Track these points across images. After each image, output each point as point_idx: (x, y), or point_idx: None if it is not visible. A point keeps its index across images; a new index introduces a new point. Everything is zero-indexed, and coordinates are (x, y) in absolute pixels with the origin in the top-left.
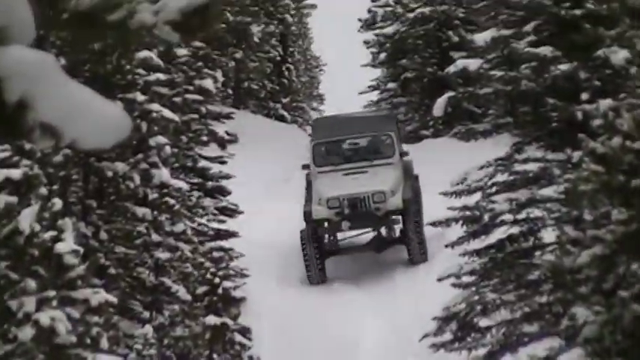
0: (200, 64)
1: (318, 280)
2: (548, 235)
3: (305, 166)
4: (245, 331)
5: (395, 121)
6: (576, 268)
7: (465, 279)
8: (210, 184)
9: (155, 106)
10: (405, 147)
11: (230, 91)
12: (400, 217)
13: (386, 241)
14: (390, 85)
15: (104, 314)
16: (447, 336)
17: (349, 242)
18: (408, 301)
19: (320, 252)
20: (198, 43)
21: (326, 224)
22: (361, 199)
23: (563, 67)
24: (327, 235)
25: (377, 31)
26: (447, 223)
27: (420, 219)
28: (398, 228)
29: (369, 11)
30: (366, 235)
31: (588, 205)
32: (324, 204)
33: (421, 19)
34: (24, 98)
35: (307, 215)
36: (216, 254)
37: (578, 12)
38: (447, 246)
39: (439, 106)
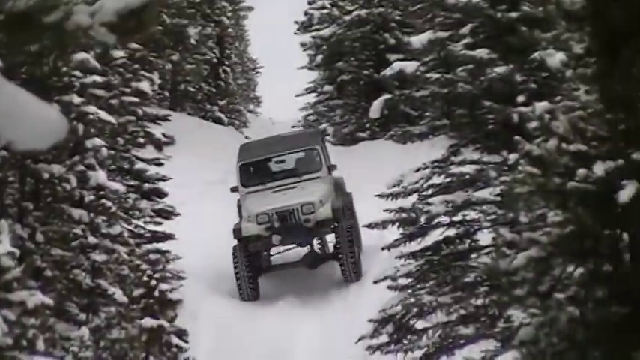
0: (137, 66)
1: (250, 298)
2: (484, 238)
3: (233, 189)
4: (181, 333)
5: (320, 137)
6: (512, 270)
7: (402, 281)
8: (146, 186)
9: (92, 108)
10: (342, 149)
11: (167, 94)
12: (331, 230)
13: (319, 257)
14: (327, 87)
15: (40, 316)
16: (384, 338)
17: (283, 258)
18: (344, 306)
19: (252, 269)
20: (134, 45)
21: (256, 241)
22: (290, 212)
23: (500, 69)
24: (261, 252)
25: (313, 34)
26: (383, 225)
27: (354, 235)
28: (332, 244)
29: (306, 14)
30: (301, 250)
31: (524, 208)
32: (253, 220)
33: (358, 22)
34: None
35: (237, 233)
36: (152, 256)
37: (514, 15)
38: (383, 248)
39: (375, 109)
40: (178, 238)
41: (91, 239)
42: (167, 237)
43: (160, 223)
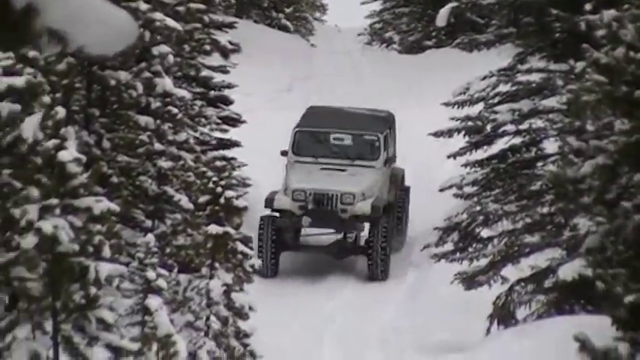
0: None
1: (269, 275)
2: (551, 146)
3: (283, 153)
4: (247, 241)
5: (389, 124)
6: (578, 178)
7: (467, 189)
8: (212, 93)
9: (158, 15)
10: (408, 57)
11: (233, 0)
12: (368, 223)
13: (348, 248)
14: None
15: (106, 223)
16: (448, 246)
17: (312, 241)
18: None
19: (276, 244)
20: None
21: (286, 217)
22: (328, 197)
23: None
24: (288, 229)
25: None
26: (449, 133)
27: (389, 233)
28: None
29: None
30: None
31: (591, 116)
32: (289, 194)
33: None
34: (31, 3)
35: (269, 203)
36: (218, 163)
37: None
38: (449, 157)
39: (442, 16)
40: (244, 146)
41: (157, 146)
42: (233, 144)
43: (225, 131)
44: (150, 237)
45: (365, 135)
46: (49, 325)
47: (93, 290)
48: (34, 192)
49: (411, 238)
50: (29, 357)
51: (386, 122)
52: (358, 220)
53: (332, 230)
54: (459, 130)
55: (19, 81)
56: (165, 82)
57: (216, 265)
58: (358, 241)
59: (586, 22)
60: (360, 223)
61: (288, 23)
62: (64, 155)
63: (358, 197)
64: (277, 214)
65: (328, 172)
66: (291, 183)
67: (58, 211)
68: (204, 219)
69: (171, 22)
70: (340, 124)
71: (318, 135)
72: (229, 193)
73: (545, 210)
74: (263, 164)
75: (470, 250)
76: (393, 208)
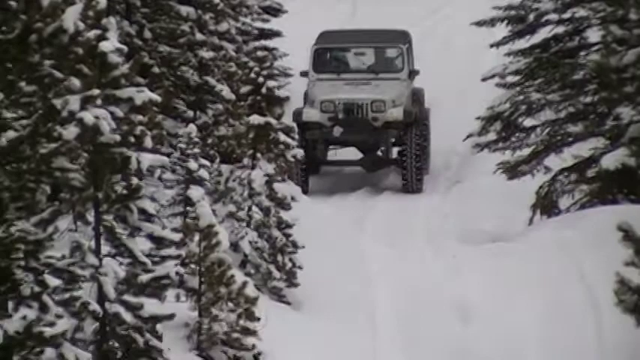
0: None
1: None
2: (594, 35)
3: (303, 73)
4: (289, 131)
5: (408, 39)
6: (622, 67)
7: (510, 79)
8: None
9: None
10: None
11: None
12: (399, 135)
13: (381, 160)
14: None
15: (148, 113)
16: (491, 136)
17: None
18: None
19: (306, 162)
20: None
21: (315, 129)
22: (358, 105)
23: None
24: (318, 142)
25: None
26: (491, 22)
27: (423, 148)
28: (395, 151)
29: None
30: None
31: (634, 4)
32: (317, 106)
33: None
34: None
35: (297, 116)
36: (260, 53)
37: None
38: (492, 46)
39: None
40: (286, 36)
41: (199, 36)
42: (274, 34)
43: (267, 20)
44: (191, 127)
45: (388, 47)
46: (90, 216)
47: (135, 181)
48: (76, 82)
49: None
50: (71, 247)
51: (405, 37)
52: (391, 126)
53: (359, 143)
54: (501, 20)
55: None
56: None
57: (258, 155)
58: (390, 154)
59: None
60: (393, 130)
61: None
62: (105, 45)
63: (389, 104)
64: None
65: (354, 85)
66: (318, 95)
67: (99, 101)
68: (246, 109)
69: None
70: (360, 39)
71: (338, 51)
72: (271, 83)
73: (588, 99)
74: (305, 54)
75: (512, 139)
76: (419, 123)
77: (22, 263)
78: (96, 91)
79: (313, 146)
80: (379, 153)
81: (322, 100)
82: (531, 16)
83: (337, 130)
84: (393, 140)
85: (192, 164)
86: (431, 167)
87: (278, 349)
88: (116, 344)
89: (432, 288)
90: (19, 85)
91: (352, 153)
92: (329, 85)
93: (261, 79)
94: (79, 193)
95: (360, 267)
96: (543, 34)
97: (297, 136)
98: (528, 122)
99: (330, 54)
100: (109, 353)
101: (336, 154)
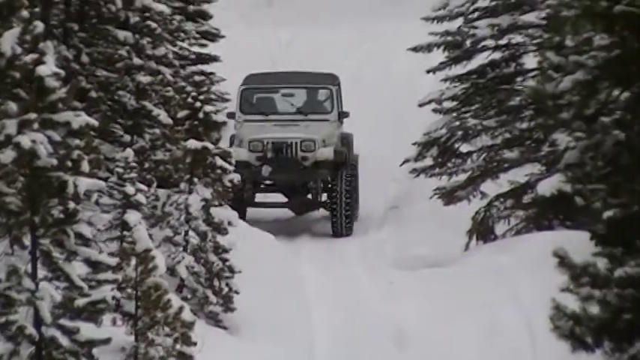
0: None
1: None
2: (530, 61)
3: (230, 115)
4: (226, 155)
5: (337, 80)
6: (558, 93)
7: (446, 104)
8: (191, 7)
9: None
10: None
11: None
12: (329, 175)
13: (309, 202)
14: None
15: (85, 137)
16: (428, 161)
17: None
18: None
19: (233, 202)
20: None
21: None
22: (287, 144)
23: None
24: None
25: None
26: (428, 48)
27: (353, 190)
28: (324, 196)
29: None
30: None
31: (570, 31)
32: (245, 146)
33: None
34: None
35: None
36: (197, 78)
37: None
38: (428, 72)
39: None
40: (223, 61)
41: (136, 60)
42: (212, 59)
43: (204, 45)
44: (129, 152)
45: (317, 88)
46: (27, 240)
47: (71, 205)
48: (13, 106)
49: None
50: (7, 271)
51: (334, 79)
52: (320, 166)
53: (287, 185)
54: (438, 45)
55: None
56: None
57: (195, 179)
58: (320, 196)
59: None
60: (324, 170)
61: None
62: (42, 70)
63: (319, 143)
64: None
65: (282, 125)
66: (245, 136)
67: (36, 125)
68: (183, 134)
69: None
70: (288, 80)
71: (266, 92)
72: (208, 108)
73: (524, 125)
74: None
75: (449, 165)
76: (348, 166)
77: None
78: (33, 115)
79: (241, 187)
80: (308, 196)
81: (250, 140)
82: (468, 42)
83: (266, 170)
84: (322, 184)
85: (129, 189)
86: (361, 205)
87: None
88: None
89: (369, 313)
90: None
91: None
92: (257, 126)
93: (198, 104)
94: (16, 217)
95: (297, 292)
96: (480, 60)
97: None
98: (465, 148)
99: (257, 95)
100: None
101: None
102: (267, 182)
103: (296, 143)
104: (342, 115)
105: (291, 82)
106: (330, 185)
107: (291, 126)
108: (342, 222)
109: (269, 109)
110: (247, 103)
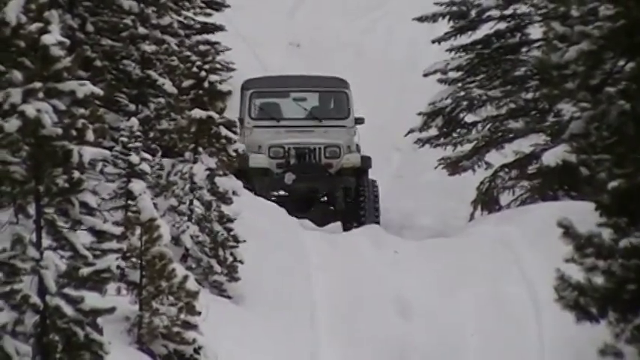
0: None
1: None
2: (535, 31)
3: (239, 121)
4: (231, 125)
5: (348, 85)
6: (563, 63)
7: (452, 74)
8: None
9: None
10: None
11: None
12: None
13: (332, 212)
14: None
15: (90, 106)
16: (433, 131)
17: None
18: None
19: None
20: None
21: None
22: (311, 150)
23: None
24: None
25: None
26: (433, 18)
27: (379, 208)
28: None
29: None
30: None
31: (576, 1)
32: (265, 151)
33: None
34: None
35: (243, 162)
36: (202, 47)
37: None
38: (433, 42)
39: None
40: (228, 30)
41: (141, 30)
42: (217, 28)
43: (210, 15)
44: (133, 121)
45: (332, 91)
46: (31, 209)
47: (76, 174)
48: (18, 75)
49: None
50: (12, 240)
51: (345, 83)
52: (347, 174)
53: (312, 192)
54: (443, 15)
55: None
56: None
57: (200, 149)
58: (341, 205)
59: None
60: (350, 177)
61: None
62: (47, 39)
63: (344, 149)
64: None
65: (298, 131)
66: (264, 141)
67: (41, 94)
68: (188, 103)
69: None
70: (299, 83)
71: (276, 95)
72: (213, 78)
73: (529, 95)
74: (246, 48)
75: (454, 135)
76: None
77: None
78: (38, 85)
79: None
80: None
81: (271, 145)
82: (473, 13)
83: (289, 177)
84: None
85: (134, 158)
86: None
87: (219, 342)
88: (56, 337)
89: (372, 283)
90: None
91: None
92: (273, 132)
93: (203, 74)
94: (20, 186)
95: (301, 261)
96: (485, 30)
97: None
98: (470, 118)
99: (266, 99)
100: (49, 346)
101: None
102: (289, 190)
103: (319, 149)
104: (358, 122)
105: (302, 85)
106: (356, 193)
107: (307, 132)
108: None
109: (280, 114)
110: (256, 108)
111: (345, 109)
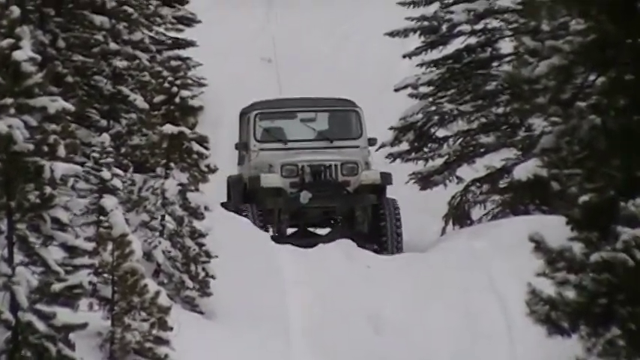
0: None
1: None
2: (506, 46)
3: (241, 145)
4: (202, 140)
5: (357, 105)
6: (534, 78)
7: (422, 89)
8: None
9: None
10: None
11: None
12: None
13: (349, 234)
14: None
15: (61, 122)
16: (404, 146)
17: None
18: None
19: (274, 238)
20: None
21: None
22: (326, 167)
23: None
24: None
25: None
26: (404, 33)
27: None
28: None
29: None
30: None
31: (546, 16)
32: (277, 170)
33: None
34: None
35: (254, 182)
36: (173, 63)
37: None
38: (404, 56)
39: None
40: (199, 45)
41: (113, 45)
42: (188, 44)
43: (181, 30)
44: (105, 136)
45: (342, 111)
46: (3, 225)
47: (48, 190)
48: None
49: None
50: None
51: (355, 104)
52: (366, 191)
53: (329, 212)
54: (414, 30)
55: None
56: None
57: (172, 164)
58: (362, 227)
59: None
60: (370, 195)
61: None
62: (18, 54)
63: (362, 165)
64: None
65: (311, 152)
66: (276, 160)
67: (12, 110)
68: (160, 118)
69: None
70: (307, 103)
71: (283, 116)
72: (184, 93)
73: (500, 110)
74: (218, 63)
75: (425, 150)
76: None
77: None
78: (9, 100)
79: (277, 219)
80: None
81: (283, 164)
82: (444, 27)
83: (305, 196)
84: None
85: (106, 173)
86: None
87: (191, 358)
88: (28, 353)
89: (345, 298)
90: None
91: None
92: (283, 153)
93: (174, 89)
94: None
95: (273, 276)
96: (456, 44)
97: (250, 211)
98: (441, 133)
99: (272, 121)
100: None
101: None
102: (304, 211)
103: (336, 166)
104: (371, 142)
105: (310, 106)
106: (375, 213)
107: (319, 151)
108: (393, 244)
109: (287, 136)
110: (262, 131)
111: (357, 129)
